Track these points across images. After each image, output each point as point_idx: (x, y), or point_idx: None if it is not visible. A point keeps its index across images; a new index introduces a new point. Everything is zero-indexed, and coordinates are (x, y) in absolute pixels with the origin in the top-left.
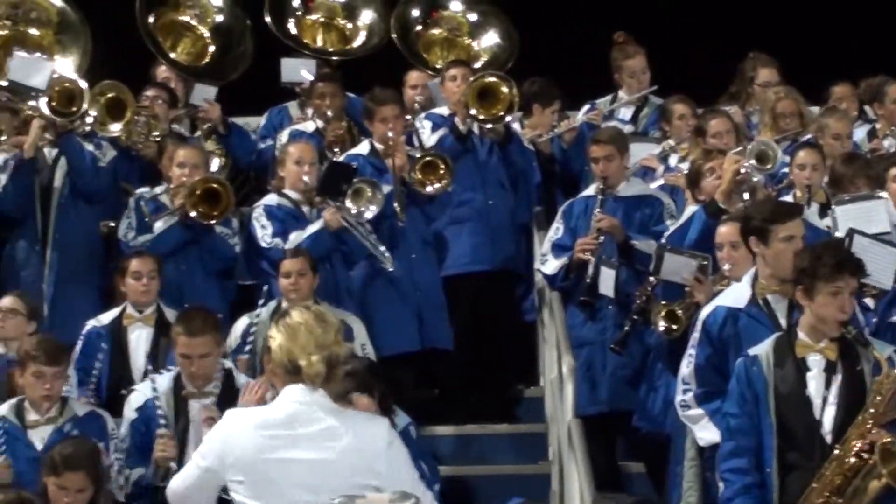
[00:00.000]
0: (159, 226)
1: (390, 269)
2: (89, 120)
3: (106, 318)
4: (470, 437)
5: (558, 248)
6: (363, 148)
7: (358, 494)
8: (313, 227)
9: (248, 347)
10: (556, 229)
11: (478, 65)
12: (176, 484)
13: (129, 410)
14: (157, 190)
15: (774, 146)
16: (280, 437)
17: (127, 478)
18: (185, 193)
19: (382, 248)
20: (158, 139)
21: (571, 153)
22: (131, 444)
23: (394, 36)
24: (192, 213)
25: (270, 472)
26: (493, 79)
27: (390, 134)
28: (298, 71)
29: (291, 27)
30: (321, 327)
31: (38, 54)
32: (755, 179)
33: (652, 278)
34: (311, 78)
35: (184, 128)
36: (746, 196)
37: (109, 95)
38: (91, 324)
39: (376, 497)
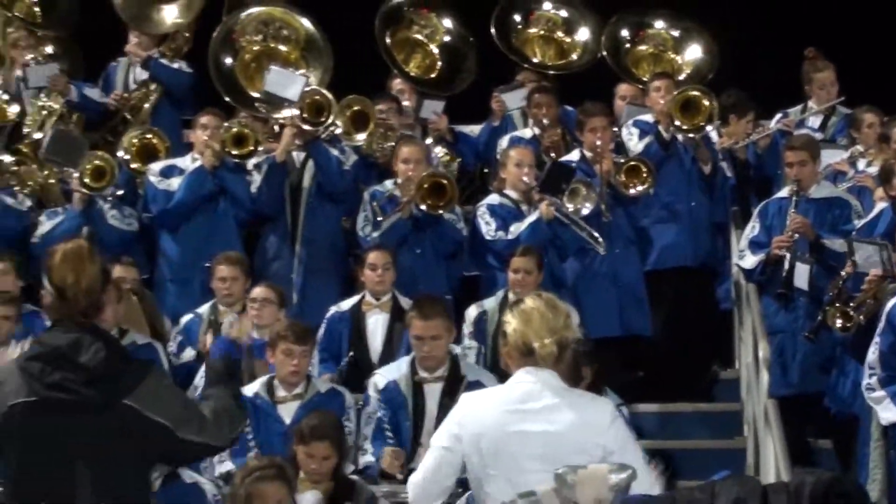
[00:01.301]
0: (389, 221)
1: (602, 253)
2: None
3: (347, 304)
4: (671, 415)
5: (755, 245)
6: (574, 155)
7: (580, 465)
8: (531, 219)
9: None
10: (753, 227)
11: (681, 77)
12: (415, 476)
13: (374, 391)
14: (388, 184)
15: None
16: (514, 413)
17: (361, 453)
18: (413, 188)
19: (596, 234)
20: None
21: (765, 158)
22: (376, 423)
23: (605, 53)
24: (422, 206)
25: (506, 445)
26: (696, 92)
27: (598, 142)
28: (516, 100)
29: (514, 41)
30: (552, 313)
31: (292, 69)
32: None
33: (843, 272)
34: (519, 104)
35: (416, 135)
36: None
37: (355, 108)
38: (333, 309)
39: (596, 467)
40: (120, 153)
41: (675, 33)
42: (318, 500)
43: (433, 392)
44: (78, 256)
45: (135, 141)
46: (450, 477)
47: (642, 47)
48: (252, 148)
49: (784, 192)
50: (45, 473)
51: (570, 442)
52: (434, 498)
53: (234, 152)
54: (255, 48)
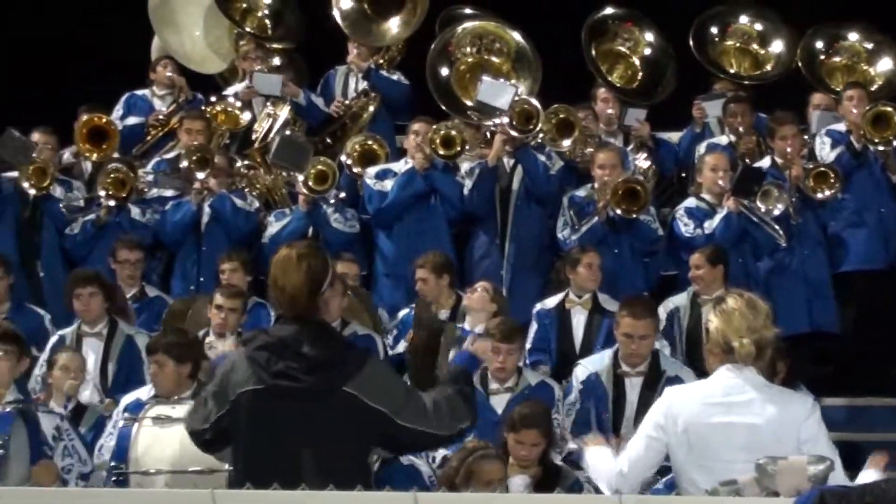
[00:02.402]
0: (587, 224)
1: (783, 245)
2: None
3: (552, 301)
4: (858, 408)
5: None
6: (765, 161)
7: (780, 456)
8: (721, 214)
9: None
10: None
11: (873, 88)
12: (617, 465)
13: (577, 382)
14: (586, 188)
15: None
16: (718, 406)
17: (564, 442)
18: (609, 192)
19: (777, 227)
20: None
21: None
22: (577, 413)
23: (800, 63)
24: (618, 210)
25: (711, 436)
26: (888, 108)
27: (788, 149)
28: (716, 108)
29: (711, 53)
30: (752, 313)
31: (502, 79)
32: None
33: None
34: (719, 112)
35: (618, 141)
36: None
37: (561, 116)
38: (540, 305)
39: (796, 458)
40: (343, 157)
41: (869, 46)
42: (528, 484)
43: (634, 385)
44: (285, 267)
45: (357, 146)
46: (654, 465)
47: (836, 59)
48: (459, 149)
49: None
50: (272, 456)
51: (771, 435)
52: (635, 486)
53: (442, 153)
54: (470, 60)
